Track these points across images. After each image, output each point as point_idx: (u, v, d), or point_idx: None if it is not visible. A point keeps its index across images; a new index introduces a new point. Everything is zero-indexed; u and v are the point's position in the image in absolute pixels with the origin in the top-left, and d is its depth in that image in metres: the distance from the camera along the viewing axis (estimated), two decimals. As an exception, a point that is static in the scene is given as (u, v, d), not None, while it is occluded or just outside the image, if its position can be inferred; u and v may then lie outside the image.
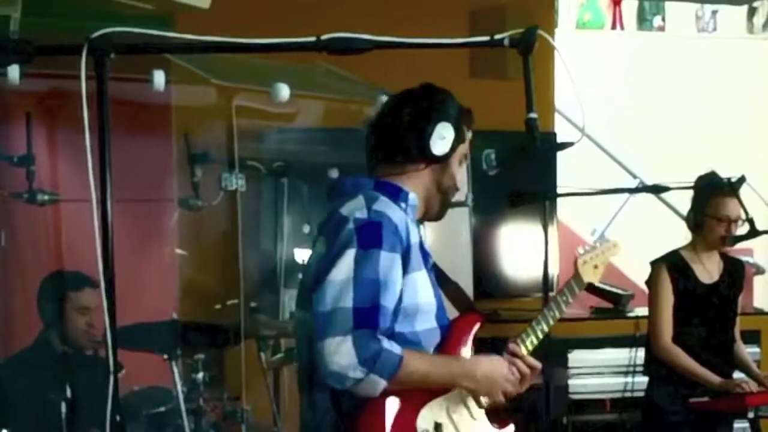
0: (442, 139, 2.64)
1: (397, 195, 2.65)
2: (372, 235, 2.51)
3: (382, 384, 2.46)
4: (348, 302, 2.45)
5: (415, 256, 2.59)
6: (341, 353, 2.41)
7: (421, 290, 2.60)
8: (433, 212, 2.77)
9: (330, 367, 2.43)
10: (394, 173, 2.68)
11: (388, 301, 2.50)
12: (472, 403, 2.70)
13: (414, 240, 2.60)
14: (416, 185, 2.69)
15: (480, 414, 2.74)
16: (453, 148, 2.67)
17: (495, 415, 2.78)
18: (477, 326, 2.79)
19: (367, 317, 2.45)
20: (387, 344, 2.47)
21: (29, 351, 4.43)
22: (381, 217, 2.53)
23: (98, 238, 2.19)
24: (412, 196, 2.67)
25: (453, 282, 2.90)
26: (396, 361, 2.46)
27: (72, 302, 4.38)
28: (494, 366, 2.68)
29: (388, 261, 2.50)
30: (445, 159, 2.68)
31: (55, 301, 4.40)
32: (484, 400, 2.70)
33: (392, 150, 2.69)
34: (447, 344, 2.70)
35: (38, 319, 4.45)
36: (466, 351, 2.73)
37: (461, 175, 2.77)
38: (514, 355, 2.76)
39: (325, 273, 2.51)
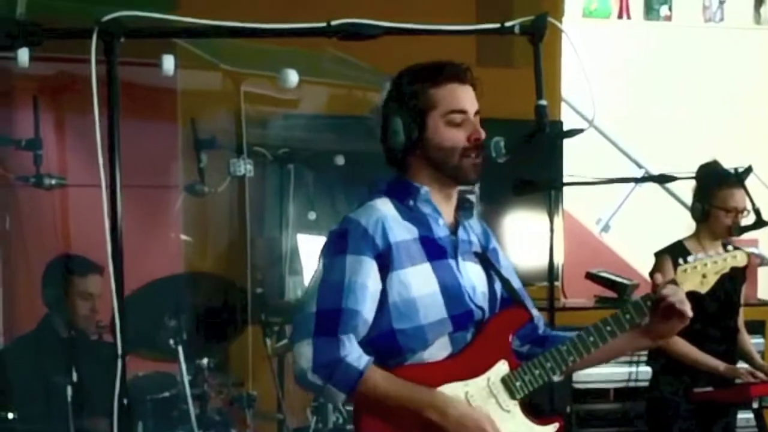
0: (395, 133, 2.62)
1: (407, 193, 2.65)
2: (338, 243, 2.57)
3: (341, 396, 2.50)
4: (312, 307, 2.53)
5: (407, 251, 2.56)
6: (303, 356, 2.50)
7: (416, 285, 2.55)
8: (459, 180, 2.68)
9: (294, 368, 2.52)
10: (404, 169, 2.69)
11: (356, 304, 2.50)
12: (503, 394, 2.61)
13: (403, 237, 2.57)
14: (420, 175, 2.66)
15: (512, 405, 2.62)
16: (410, 131, 2.61)
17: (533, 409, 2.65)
18: (519, 323, 2.73)
19: (329, 322, 2.49)
20: (352, 356, 2.48)
21: (32, 335, 4.44)
22: (349, 223, 2.58)
23: (107, 223, 2.19)
24: (424, 190, 2.64)
25: (503, 277, 2.79)
26: (354, 375, 2.47)
27: (76, 288, 4.38)
28: (475, 414, 2.52)
29: (355, 264, 2.52)
30: (409, 146, 2.63)
31: (59, 286, 4.40)
32: None
33: (385, 153, 2.72)
34: (479, 340, 2.63)
35: (42, 303, 4.46)
36: (502, 348, 2.64)
37: (459, 132, 2.63)
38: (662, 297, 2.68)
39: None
